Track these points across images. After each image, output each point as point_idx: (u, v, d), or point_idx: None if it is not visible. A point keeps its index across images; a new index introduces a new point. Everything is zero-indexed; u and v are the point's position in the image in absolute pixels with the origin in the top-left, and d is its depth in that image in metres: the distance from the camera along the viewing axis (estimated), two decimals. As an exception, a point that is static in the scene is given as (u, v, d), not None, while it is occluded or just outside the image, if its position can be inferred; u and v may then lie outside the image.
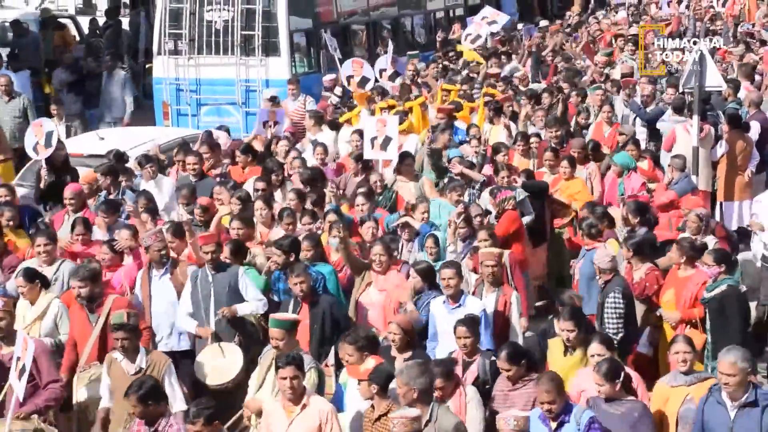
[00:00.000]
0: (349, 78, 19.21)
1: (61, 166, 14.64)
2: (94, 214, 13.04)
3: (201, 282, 11.09)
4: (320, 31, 21.75)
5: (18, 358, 9.09)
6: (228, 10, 20.61)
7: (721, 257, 11.05)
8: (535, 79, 21.14)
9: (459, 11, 26.89)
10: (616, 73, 20.94)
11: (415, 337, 10.13)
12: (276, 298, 11.40)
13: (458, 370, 9.66)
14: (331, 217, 12.26)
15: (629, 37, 24.12)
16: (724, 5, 28.80)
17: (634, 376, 9.31)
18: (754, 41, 23.37)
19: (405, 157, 14.53)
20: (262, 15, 20.52)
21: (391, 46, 21.09)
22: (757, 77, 20.34)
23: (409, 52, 21.59)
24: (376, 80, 19.61)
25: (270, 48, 20.67)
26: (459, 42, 23.75)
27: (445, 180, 14.22)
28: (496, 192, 12.96)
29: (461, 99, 18.36)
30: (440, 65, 21.56)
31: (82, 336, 10.49)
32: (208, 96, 20.65)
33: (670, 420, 9.05)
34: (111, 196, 13.70)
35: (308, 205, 12.95)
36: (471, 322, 9.87)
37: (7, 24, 25.08)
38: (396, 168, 14.47)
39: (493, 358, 9.67)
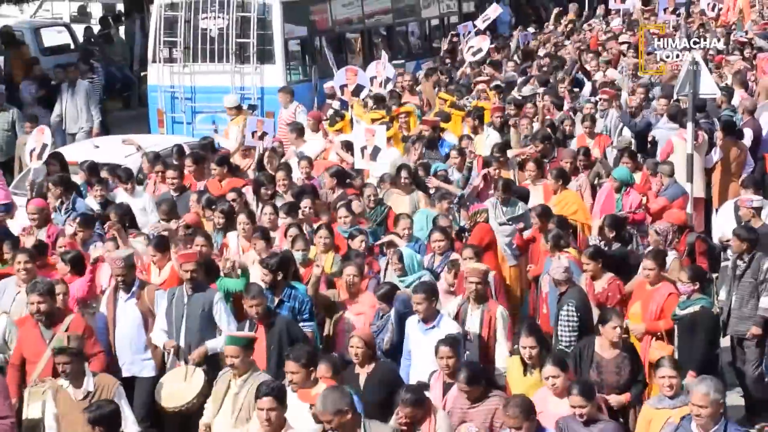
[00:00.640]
0: (342, 87, 19.21)
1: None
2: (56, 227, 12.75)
3: (177, 301, 10.82)
4: (315, 39, 21.79)
5: None
6: (223, 18, 20.63)
7: (696, 275, 10.94)
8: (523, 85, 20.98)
9: (453, 19, 26.90)
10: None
11: (376, 350, 10.07)
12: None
13: (438, 391, 9.57)
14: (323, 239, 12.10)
15: (622, 44, 24.19)
16: (715, 12, 28.81)
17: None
18: (751, 51, 23.37)
19: (401, 170, 14.38)
20: (257, 23, 20.54)
21: (385, 56, 21.02)
22: (750, 84, 20.37)
23: (394, 62, 21.42)
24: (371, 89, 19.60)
25: (265, 56, 20.68)
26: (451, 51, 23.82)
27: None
28: (470, 204, 12.90)
29: (453, 109, 18.21)
30: (441, 75, 21.40)
31: (35, 354, 10.05)
32: (203, 104, 20.64)
33: None
34: (63, 207, 13.40)
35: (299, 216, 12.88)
36: (453, 342, 9.71)
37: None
38: (392, 181, 14.36)
39: None
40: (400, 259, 11.66)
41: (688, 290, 10.85)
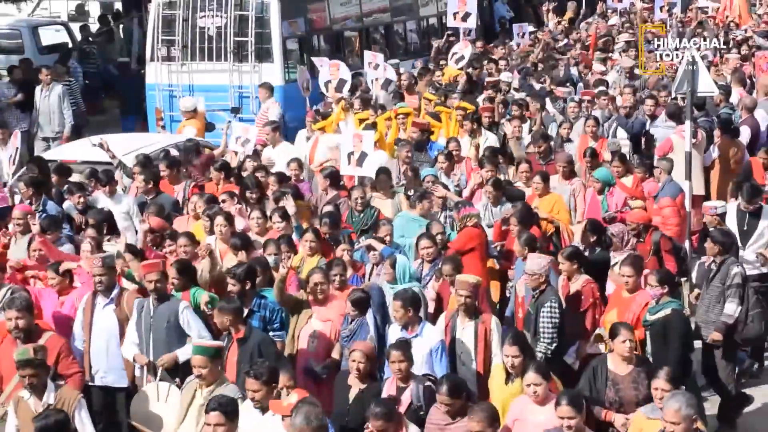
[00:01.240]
0: (327, 83, 19.17)
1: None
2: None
3: (145, 313, 10.48)
4: (314, 38, 21.76)
5: None
6: (221, 17, 20.61)
7: (664, 278, 10.81)
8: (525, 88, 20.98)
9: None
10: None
11: (376, 368, 9.78)
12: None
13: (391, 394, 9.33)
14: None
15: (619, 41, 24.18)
16: (711, 11, 28.83)
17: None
18: (748, 49, 23.36)
19: (380, 173, 14.18)
20: (255, 21, 20.52)
21: (380, 56, 20.93)
22: (748, 81, 20.36)
23: (389, 61, 21.34)
24: (369, 89, 19.57)
25: (263, 54, 20.67)
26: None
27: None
28: (460, 208, 12.71)
29: (438, 108, 18.08)
30: (433, 74, 21.37)
31: (10, 370, 9.61)
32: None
33: None
34: (33, 207, 13.14)
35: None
36: (404, 346, 9.48)
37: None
38: (372, 185, 14.20)
39: (428, 383, 9.38)
40: (393, 265, 11.27)
41: (657, 294, 10.70)
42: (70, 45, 26.73)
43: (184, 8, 20.76)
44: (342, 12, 23.11)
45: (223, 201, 13.30)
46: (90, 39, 27.99)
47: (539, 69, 22.09)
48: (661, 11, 28.51)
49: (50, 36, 27.04)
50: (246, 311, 10.47)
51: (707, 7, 29.17)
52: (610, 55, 23.47)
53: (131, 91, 22.47)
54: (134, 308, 10.58)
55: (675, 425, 8.21)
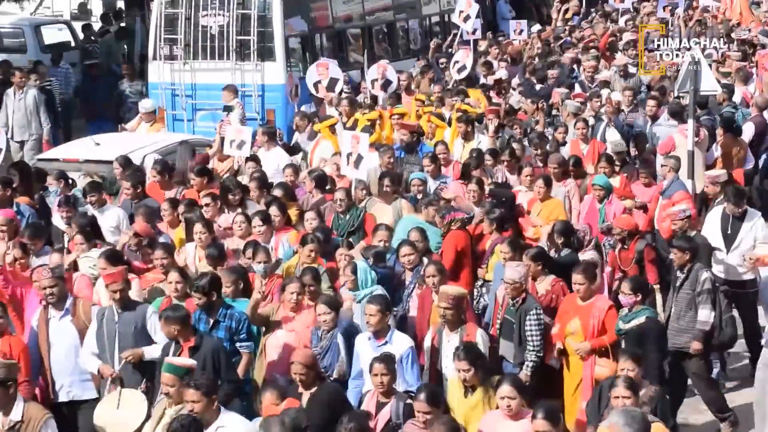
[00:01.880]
0: (316, 84, 19.09)
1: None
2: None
3: (107, 321, 10.27)
4: (316, 36, 21.73)
5: None
6: (223, 15, 20.60)
7: (637, 287, 10.72)
8: (526, 87, 20.96)
9: (454, 16, 26.82)
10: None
11: (320, 369, 9.72)
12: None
13: (372, 411, 9.22)
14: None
15: (622, 41, 24.16)
16: (712, 11, 28.83)
17: None
18: (751, 48, 23.34)
19: (382, 177, 14.02)
20: (257, 20, 20.51)
21: (390, 68, 20.81)
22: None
23: (382, 61, 21.25)
24: (353, 90, 19.48)
25: (265, 53, 20.66)
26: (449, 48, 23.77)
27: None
28: (445, 213, 12.55)
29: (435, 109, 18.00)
30: (433, 72, 21.31)
31: None
32: (204, 101, 20.58)
33: None
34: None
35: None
36: (388, 360, 9.34)
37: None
38: (369, 188, 14.15)
39: (409, 401, 9.16)
40: (354, 271, 11.02)
41: (630, 302, 10.61)
42: (73, 44, 26.72)
43: (187, 7, 20.75)
44: (344, 10, 23.11)
45: (206, 205, 13.20)
46: (92, 38, 27.95)
47: (536, 68, 22.04)
48: (664, 11, 28.49)
49: (53, 35, 27.02)
50: (211, 322, 10.35)
51: (710, 6, 29.12)
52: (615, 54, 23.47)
53: (99, 97, 22.13)
54: (93, 317, 10.38)
55: None
